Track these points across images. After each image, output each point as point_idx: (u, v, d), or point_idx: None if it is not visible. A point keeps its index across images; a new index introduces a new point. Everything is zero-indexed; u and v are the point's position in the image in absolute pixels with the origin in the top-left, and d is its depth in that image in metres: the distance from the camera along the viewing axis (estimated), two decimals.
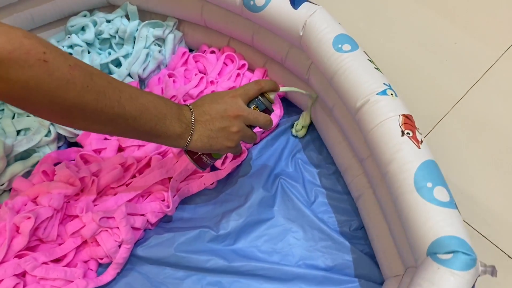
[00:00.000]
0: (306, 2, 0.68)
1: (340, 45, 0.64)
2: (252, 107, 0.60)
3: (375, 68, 0.63)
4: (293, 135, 0.81)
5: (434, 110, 0.88)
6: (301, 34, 0.67)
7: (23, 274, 0.63)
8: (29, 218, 0.61)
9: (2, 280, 0.60)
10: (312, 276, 0.67)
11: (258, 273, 0.67)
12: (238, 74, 0.80)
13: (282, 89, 0.65)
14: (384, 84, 0.60)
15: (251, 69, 0.84)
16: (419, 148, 0.55)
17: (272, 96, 0.62)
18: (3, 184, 0.71)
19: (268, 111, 0.62)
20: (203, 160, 0.61)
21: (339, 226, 0.73)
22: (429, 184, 0.52)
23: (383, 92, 0.59)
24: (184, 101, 0.76)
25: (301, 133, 0.79)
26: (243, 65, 0.82)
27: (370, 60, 0.64)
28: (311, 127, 0.81)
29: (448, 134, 0.85)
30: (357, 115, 0.61)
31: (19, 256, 0.63)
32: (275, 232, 0.72)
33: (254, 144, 0.78)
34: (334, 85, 0.65)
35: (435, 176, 0.53)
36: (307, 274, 0.67)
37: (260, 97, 0.60)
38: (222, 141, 0.56)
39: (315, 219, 0.72)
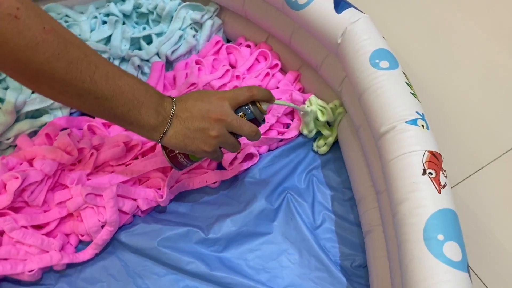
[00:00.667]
0: (352, 8, 0.62)
1: (377, 60, 0.57)
2: (239, 114, 0.54)
3: (411, 93, 0.55)
4: (314, 150, 0.74)
5: (480, 154, 0.78)
6: (339, 42, 0.61)
7: (0, 233, 0.61)
8: (16, 178, 0.59)
9: None
10: None
11: None
12: (268, 74, 0.74)
13: (277, 102, 0.59)
14: (416, 112, 0.53)
15: (283, 71, 0.78)
16: (439, 192, 0.47)
17: (264, 106, 0.56)
18: (9, 138, 0.70)
19: (256, 121, 0.56)
20: (179, 159, 0.56)
21: (340, 259, 0.65)
22: (441, 237, 0.44)
23: (413, 122, 0.52)
24: None
25: (323, 149, 0.73)
26: (276, 65, 0.77)
27: (408, 84, 0.56)
28: (335, 145, 0.74)
29: (490, 183, 0.75)
30: (379, 141, 0.54)
31: (0, 214, 0.61)
32: (269, 249, 0.66)
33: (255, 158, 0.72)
34: (362, 103, 0.58)
35: (450, 229, 0.45)
36: None
37: (250, 105, 0.55)
38: (198, 143, 0.51)
39: (316, 246, 0.65)
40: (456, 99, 0.84)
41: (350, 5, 0.62)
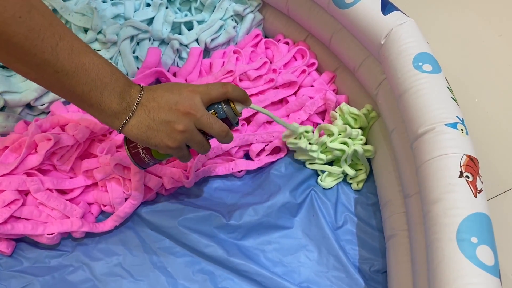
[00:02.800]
0: (398, 11, 0.62)
1: (420, 63, 0.57)
2: (211, 111, 0.50)
3: (452, 98, 0.55)
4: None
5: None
6: (382, 43, 0.61)
7: (26, 193, 0.61)
8: (49, 139, 0.60)
9: (4, 190, 0.59)
10: None
11: (255, 279, 0.61)
12: (304, 71, 0.75)
13: (254, 106, 0.55)
14: (457, 117, 0.52)
15: (319, 71, 0.79)
16: (475, 196, 0.47)
17: (239, 108, 0.52)
18: (43, 104, 0.71)
19: (228, 122, 0.51)
20: (140, 155, 0.52)
21: (359, 262, 0.64)
22: (474, 239, 0.44)
23: (453, 125, 0.51)
24: (240, 80, 0.72)
25: (357, 187, 0.72)
26: (313, 63, 0.77)
27: (449, 89, 0.56)
28: None
29: None
30: (415, 142, 0.54)
31: (28, 174, 0.61)
32: (288, 243, 0.65)
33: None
34: (401, 104, 0.57)
35: (484, 233, 0.44)
36: None
37: (223, 103, 0.51)
38: (162, 136, 0.47)
39: (336, 245, 0.64)
40: (489, 113, 0.83)
41: (396, 9, 0.62)
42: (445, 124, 0.51)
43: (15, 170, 0.60)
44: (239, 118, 0.54)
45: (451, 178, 0.48)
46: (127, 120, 0.46)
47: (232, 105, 0.51)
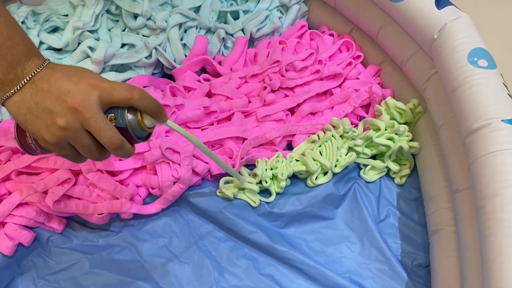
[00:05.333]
0: (452, 6, 0.62)
1: (476, 59, 0.57)
2: (109, 115, 0.41)
3: (508, 94, 0.55)
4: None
5: None
6: (435, 37, 0.61)
7: (77, 173, 0.63)
8: None
9: (58, 169, 0.61)
10: None
11: (298, 266, 0.61)
12: (350, 63, 0.75)
13: (170, 124, 0.46)
14: None
15: (363, 65, 0.79)
16: None
17: (149, 122, 0.43)
18: None
19: (127, 133, 0.42)
20: (27, 139, 0.43)
21: (401, 256, 0.65)
22: None
23: (510, 121, 0.51)
24: (286, 70, 0.72)
25: (400, 181, 0.71)
26: (358, 56, 0.77)
27: (505, 85, 0.56)
28: None
29: None
30: (469, 137, 0.54)
31: None
32: (330, 234, 0.66)
33: None
34: (454, 99, 0.57)
35: None
36: None
37: (128, 110, 0.41)
38: (40, 126, 0.39)
39: (379, 237, 0.64)
40: None
41: (450, 3, 0.62)
42: (502, 120, 0.51)
43: None
44: (151, 132, 0.45)
45: (508, 174, 0.48)
46: (10, 94, 0.40)
47: (139, 116, 0.42)
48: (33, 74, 0.40)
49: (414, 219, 0.68)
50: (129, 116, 0.41)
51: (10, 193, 0.60)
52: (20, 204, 0.59)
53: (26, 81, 0.39)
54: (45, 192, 0.60)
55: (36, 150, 0.44)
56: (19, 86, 0.39)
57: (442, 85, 0.63)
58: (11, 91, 0.39)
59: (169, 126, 0.46)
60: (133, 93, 0.41)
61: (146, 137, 0.45)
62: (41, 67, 0.40)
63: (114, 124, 0.41)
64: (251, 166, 0.70)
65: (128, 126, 0.41)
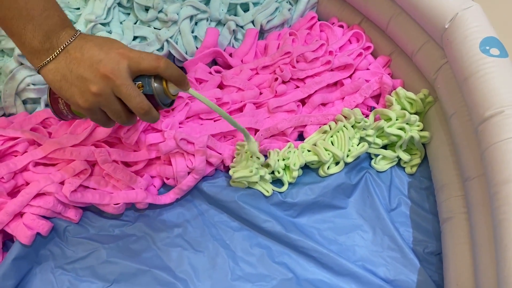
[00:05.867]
0: None
1: (487, 47, 0.57)
2: (137, 83, 0.44)
3: None
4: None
5: None
6: (446, 26, 0.61)
7: (93, 164, 0.64)
8: None
9: (74, 160, 0.61)
10: (367, 280, 0.61)
11: (312, 254, 0.62)
12: (360, 54, 0.75)
13: (192, 92, 0.48)
14: None
15: (373, 56, 0.79)
16: None
17: (173, 89, 0.46)
18: None
19: (154, 100, 0.45)
20: (59, 104, 0.47)
21: (413, 244, 0.65)
22: None
23: None
24: (297, 61, 0.73)
25: (411, 170, 0.72)
26: (368, 47, 0.77)
27: None
28: None
29: None
30: (481, 125, 0.54)
31: (95, 145, 0.64)
32: (343, 223, 0.67)
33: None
34: (466, 88, 0.58)
35: None
36: (363, 277, 0.61)
37: (154, 78, 0.45)
38: (75, 92, 0.43)
39: (391, 226, 0.65)
40: None
41: None
42: None
43: (84, 141, 0.63)
44: (174, 100, 0.48)
45: None
46: (46, 62, 0.43)
47: (164, 83, 0.46)
48: (67, 44, 0.43)
49: (425, 207, 0.68)
50: (156, 84, 0.45)
51: (27, 183, 0.61)
52: (38, 195, 0.59)
53: (60, 50, 0.42)
54: (62, 183, 0.61)
55: (68, 115, 0.49)
56: (54, 55, 0.42)
57: (453, 75, 0.63)
58: (47, 60, 0.42)
59: (191, 94, 0.49)
60: (160, 62, 0.44)
61: (170, 103, 0.48)
62: (74, 37, 0.43)
63: (141, 91, 0.44)
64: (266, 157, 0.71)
65: (155, 93, 0.45)
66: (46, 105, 0.71)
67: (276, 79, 0.72)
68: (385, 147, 0.72)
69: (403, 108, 0.70)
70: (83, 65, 0.42)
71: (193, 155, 0.64)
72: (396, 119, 0.68)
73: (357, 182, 0.69)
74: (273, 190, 0.66)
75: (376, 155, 0.71)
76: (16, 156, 0.61)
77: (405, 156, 0.70)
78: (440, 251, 0.64)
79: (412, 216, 0.68)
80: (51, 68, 0.43)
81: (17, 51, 0.66)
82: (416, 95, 0.70)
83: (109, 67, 0.42)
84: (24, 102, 0.70)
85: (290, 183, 0.67)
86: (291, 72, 0.72)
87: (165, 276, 0.61)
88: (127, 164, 0.66)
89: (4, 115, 0.71)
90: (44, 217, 0.61)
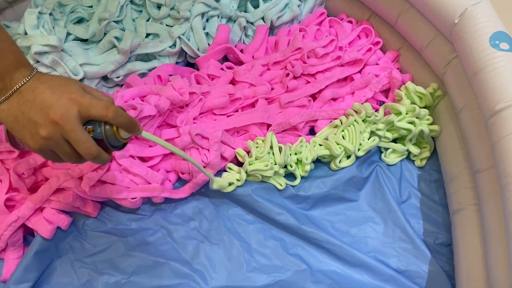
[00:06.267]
0: None
1: (497, 42, 0.58)
2: (88, 127, 0.44)
3: None
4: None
5: None
6: (456, 22, 0.62)
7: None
8: (134, 108, 0.63)
9: None
10: (379, 271, 0.62)
11: (325, 246, 0.64)
12: (370, 49, 0.76)
13: (145, 135, 0.49)
14: None
15: (382, 51, 0.80)
16: None
17: (123, 134, 0.46)
18: (119, 77, 0.74)
19: (104, 144, 0.45)
20: (16, 139, 0.47)
21: (423, 235, 0.67)
22: None
23: None
24: (308, 57, 0.74)
25: (420, 164, 0.73)
26: (377, 42, 0.78)
27: None
28: None
29: None
30: (492, 118, 0.55)
31: None
32: (354, 216, 0.68)
33: None
34: (476, 82, 0.59)
35: None
36: (375, 267, 0.62)
37: (105, 123, 0.44)
38: (26, 134, 0.43)
39: (402, 218, 0.66)
40: None
41: None
42: None
43: None
44: (127, 142, 0.48)
45: None
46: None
47: (115, 128, 0.45)
48: (20, 85, 0.43)
49: (435, 200, 0.70)
50: (106, 129, 0.45)
51: (46, 179, 0.62)
52: (57, 190, 0.61)
53: (13, 91, 0.42)
54: (80, 178, 0.62)
55: (24, 148, 0.48)
56: (7, 96, 0.42)
57: (462, 69, 0.65)
58: (0, 99, 0.42)
59: (145, 137, 0.49)
60: (108, 111, 0.44)
61: (123, 145, 0.48)
62: (28, 77, 0.43)
63: (92, 135, 0.44)
64: None
65: (104, 138, 0.45)
66: None
67: (288, 74, 0.73)
68: (394, 140, 0.73)
69: (413, 102, 0.71)
70: (34, 108, 0.42)
71: (208, 149, 0.65)
72: (406, 113, 0.69)
73: (368, 175, 0.70)
74: (286, 184, 0.67)
75: (386, 149, 0.72)
76: None
77: (414, 150, 0.71)
78: (450, 242, 0.65)
79: (422, 208, 0.69)
80: (4, 108, 0.43)
81: (34, 48, 0.68)
82: (425, 89, 0.71)
83: (59, 112, 0.42)
84: None
85: (302, 177, 0.69)
86: (302, 67, 0.73)
87: (182, 268, 0.62)
88: (142, 159, 0.67)
89: None
90: (63, 211, 0.62)
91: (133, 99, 0.68)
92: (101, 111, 0.44)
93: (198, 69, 0.77)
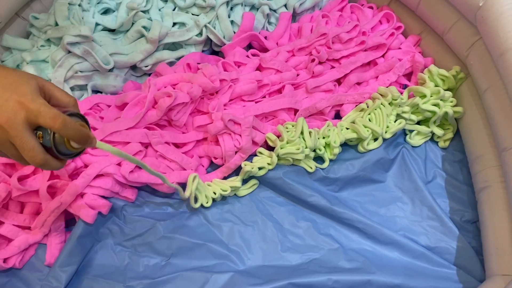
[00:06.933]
0: None
1: None
2: (37, 133, 0.41)
3: None
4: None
5: None
6: (480, 4, 0.64)
7: (146, 145, 0.67)
8: (169, 96, 0.65)
9: (129, 142, 0.64)
10: (410, 247, 0.64)
11: (356, 225, 0.66)
12: (393, 33, 0.78)
13: (101, 145, 0.46)
14: None
15: (403, 35, 0.82)
16: None
17: (75, 144, 0.43)
18: (147, 66, 0.76)
19: (52, 152, 0.42)
20: None
21: (450, 213, 0.69)
22: None
23: None
24: (333, 42, 0.75)
25: (444, 144, 0.76)
26: (399, 27, 0.80)
27: None
28: None
29: None
30: None
31: (148, 128, 0.67)
32: (382, 196, 0.70)
33: None
34: (502, 62, 0.60)
35: None
36: (405, 245, 0.65)
37: (55, 132, 0.41)
38: None
39: (429, 197, 0.69)
40: None
41: None
42: None
43: (137, 125, 0.65)
44: (83, 149, 0.45)
45: None
46: None
47: (65, 138, 0.42)
48: None
49: (459, 179, 0.72)
50: (55, 138, 0.42)
51: (85, 166, 0.64)
52: (97, 176, 0.63)
53: None
54: (118, 165, 0.64)
55: None
56: None
57: (486, 51, 0.66)
58: None
59: (100, 148, 0.46)
60: (55, 122, 0.41)
61: (78, 153, 0.45)
62: None
63: (41, 141, 0.42)
64: None
65: (52, 147, 0.42)
66: (93, 91, 0.74)
67: (313, 60, 0.75)
68: (418, 123, 0.75)
69: (436, 85, 0.73)
70: None
71: (240, 135, 0.67)
72: (431, 96, 0.71)
73: (394, 157, 0.72)
74: (315, 166, 0.69)
75: (411, 131, 0.74)
76: None
77: (439, 131, 0.73)
78: (476, 219, 0.67)
79: (448, 187, 0.71)
80: None
81: (66, 39, 0.69)
82: (448, 72, 0.73)
83: (5, 116, 0.40)
84: (72, 89, 0.73)
85: (330, 160, 0.71)
86: (327, 53, 0.75)
87: (219, 249, 0.64)
88: (176, 146, 0.69)
89: None
90: (103, 197, 0.64)
91: (165, 87, 0.69)
92: (49, 121, 0.41)
93: (223, 57, 0.79)
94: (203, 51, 0.80)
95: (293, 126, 0.69)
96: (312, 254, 0.65)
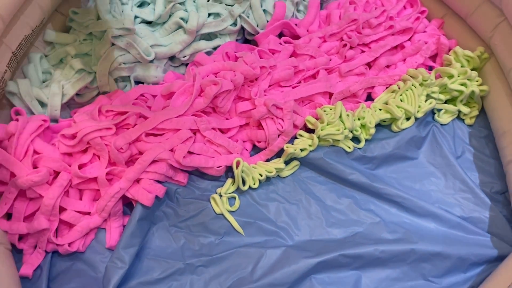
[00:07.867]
0: None
1: None
2: None
3: None
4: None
5: None
6: None
7: (194, 132, 0.70)
8: (216, 84, 0.68)
9: (180, 129, 0.68)
10: (446, 218, 0.69)
11: (395, 200, 0.70)
12: (418, 18, 0.82)
13: None
14: None
15: (427, 19, 0.85)
16: None
17: None
18: (185, 56, 0.79)
19: None
20: None
21: (480, 185, 0.73)
22: None
23: None
24: (363, 28, 0.79)
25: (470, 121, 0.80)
26: (423, 11, 0.84)
27: None
28: None
29: None
30: None
31: (195, 115, 0.70)
32: (416, 172, 0.74)
33: None
34: None
35: None
36: (441, 216, 0.69)
37: None
38: None
39: (461, 170, 0.73)
40: None
41: None
42: None
43: (186, 112, 0.69)
44: None
45: None
46: None
47: None
48: None
49: (486, 153, 0.76)
50: None
51: (140, 153, 0.67)
52: (152, 162, 0.66)
53: None
54: (171, 150, 0.67)
55: None
56: None
57: (510, 31, 0.70)
58: None
59: None
60: None
61: None
62: None
63: None
64: None
65: None
66: (135, 82, 0.77)
67: (345, 45, 0.78)
68: (445, 102, 0.79)
69: (462, 66, 0.77)
70: None
71: (282, 119, 0.70)
72: (458, 76, 0.75)
73: (425, 135, 0.76)
74: (353, 146, 0.73)
75: (439, 110, 0.78)
76: (128, 128, 0.68)
77: (465, 109, 0.78)
78: (505, 190, 0.72)
79: (476, 161, 0.76)
80: None
81: (111, 32, 0.72)
82: (472, 52, 0.77)
83: None
84: (115, 80, 0.76)
85: (366, 140, 0.75)
86: (357, 38, 0.78)
87: (269, 227, 0.68)
88: (221, 131, 0.72)
89: (98, 93, 0.77)
90: (158, 182, 0.68)
91: (207, 75, 0.73)
92: None
93: (255, 46, 0.82)
94: (237, 40, 0.83)
95: (331, 109, 0.73)
96: (355, 228, 0.69)
